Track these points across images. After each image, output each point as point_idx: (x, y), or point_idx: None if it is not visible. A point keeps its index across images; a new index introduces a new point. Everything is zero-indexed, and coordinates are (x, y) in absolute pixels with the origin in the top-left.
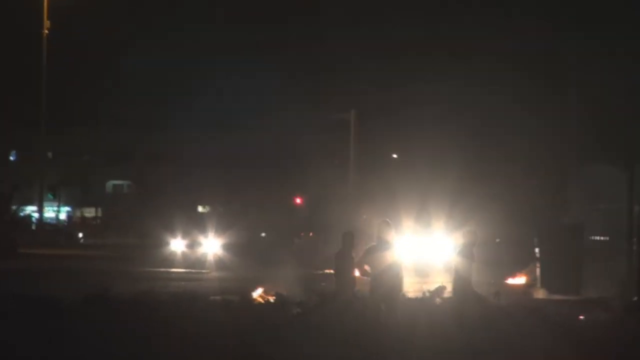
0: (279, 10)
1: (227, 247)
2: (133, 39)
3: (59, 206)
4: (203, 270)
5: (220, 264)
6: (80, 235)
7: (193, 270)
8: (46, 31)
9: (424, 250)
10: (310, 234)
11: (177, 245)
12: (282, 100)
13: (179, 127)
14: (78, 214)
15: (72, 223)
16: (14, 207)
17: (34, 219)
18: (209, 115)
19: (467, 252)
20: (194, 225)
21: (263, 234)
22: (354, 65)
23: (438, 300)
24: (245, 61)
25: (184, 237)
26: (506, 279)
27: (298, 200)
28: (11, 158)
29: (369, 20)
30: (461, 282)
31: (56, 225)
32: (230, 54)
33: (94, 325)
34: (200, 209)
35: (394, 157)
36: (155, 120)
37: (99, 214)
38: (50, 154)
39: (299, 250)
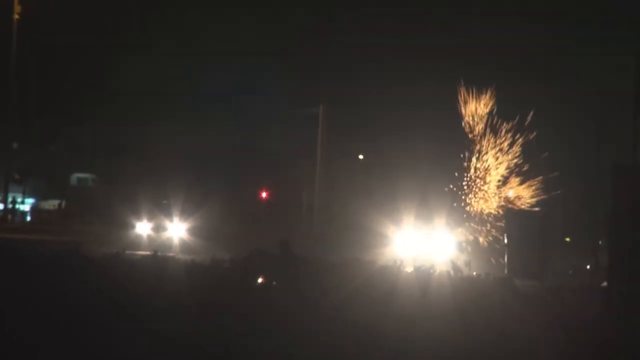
0: (249, 3)
1: (192, 231)
2: (102, 30)
3: (23, 197)
4: (169, 254)
5: (185, 247)
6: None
7: (159, 253)
8: (17, 16)
9: (424, 246)
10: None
11: (142, 228)
12: (252, 95)
13: (145, 121)
14: (42, 206)
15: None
16: None
17: None
18: (177, 110)
19: None
20: (160, 210)
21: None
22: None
23: (409, 268)
24: (215, 55)
25: (149, 220)
26: None
27: (264, 194)
28: None
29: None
30: None
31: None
32: (198, 48)
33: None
34: (165, 202)
35: (359, 158)
36: (122, 113)
37: (63, 207)
38: (15, 145)
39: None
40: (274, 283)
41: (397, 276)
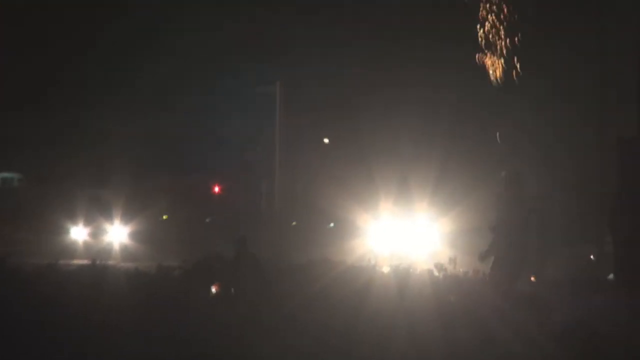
0: None
1: (135, 235)
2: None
3: None
4: (109, 261)
5: (128, 253)
6: None
7: (98, 262)
8: None
9: (404, 239)
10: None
11: (78, 233)
12: (201, 74)
13: (77, 107)
14: None
15: None
16: None
17: None
18: (114, 93)
19: None
20: (98, 211)
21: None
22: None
23: (385, 268)
24: (156, 28)
25: (86, 224)
26: None
27: (217, 189)
28: None
29: None
30: None
31: None
32: (138, 23)
33: None
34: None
35: (325, 142)
36: (51, 101)
37: None
38: None
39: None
40: (231, 291)
41: (371, 278)
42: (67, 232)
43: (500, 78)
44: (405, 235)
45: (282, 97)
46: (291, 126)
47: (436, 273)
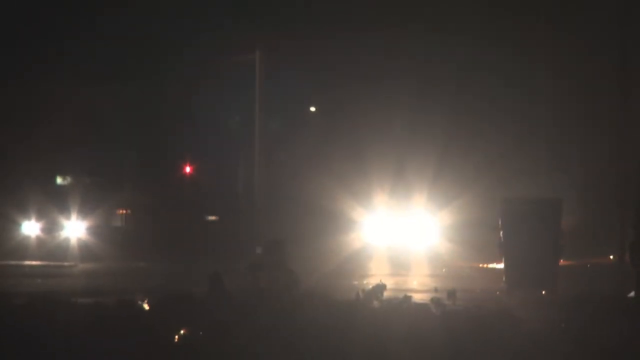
0: None
1: (95, 230)
2: None
3: None
4: (66, 263)
5: (87, 253)
6: None
7: (52, 263)
8: None
9: (401, 233)
10: None
11: (30, 229)
12: (169, 40)
13: (33, 78)
14: None
15: None
16: None
17: None
18: (71, 60)
19: None
20: (53, 202)
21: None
22: None
23: (376, 303)
24: None
25: (39, 218)
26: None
27: (188, 169)
28: None
29: None
30: None
31: None
32: None
33: None
34: (59, 180)
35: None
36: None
37: None
38: None
39: None
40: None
41: (357, 321)
42: (18, 226)
43: None
44: (402, 227)
45: (261, 67)
46: (272, 98)
47: (434, 310)
